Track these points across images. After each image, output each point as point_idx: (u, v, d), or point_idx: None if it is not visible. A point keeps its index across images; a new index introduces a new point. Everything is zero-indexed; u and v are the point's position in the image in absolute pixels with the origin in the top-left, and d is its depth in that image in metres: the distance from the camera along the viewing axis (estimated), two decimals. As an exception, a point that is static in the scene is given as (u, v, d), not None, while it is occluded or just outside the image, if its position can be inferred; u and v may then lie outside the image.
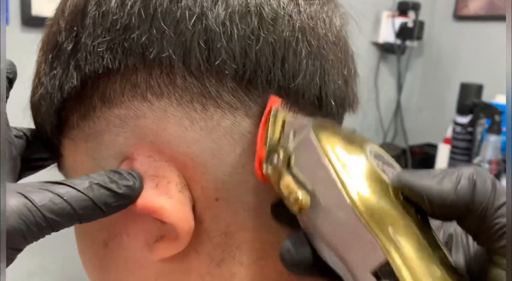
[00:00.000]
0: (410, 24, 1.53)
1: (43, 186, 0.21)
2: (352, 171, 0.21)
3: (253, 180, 0.24)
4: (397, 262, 0.19)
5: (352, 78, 0.27)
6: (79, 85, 0.24)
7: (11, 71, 0.27)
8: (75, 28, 0.24)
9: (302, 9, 0.24)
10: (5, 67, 0.28)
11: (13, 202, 0.20)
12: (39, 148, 0.28)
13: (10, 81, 0.27)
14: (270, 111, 0.23)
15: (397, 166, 0.23)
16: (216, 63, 0.23)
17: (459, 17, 1.56)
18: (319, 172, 0.21)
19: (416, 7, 1.53)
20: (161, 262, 0.25)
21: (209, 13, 0.23)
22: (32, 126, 0.29)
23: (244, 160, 0.24)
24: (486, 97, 1.28)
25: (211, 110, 0.23)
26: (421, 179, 0.20)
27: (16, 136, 0.27)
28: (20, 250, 0.21)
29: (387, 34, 1.56)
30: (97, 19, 0.23)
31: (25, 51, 1.28)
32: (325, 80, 0.25)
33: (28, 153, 0.28)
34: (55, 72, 0.25)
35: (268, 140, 0.23)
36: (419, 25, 1.56)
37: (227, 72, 0.23)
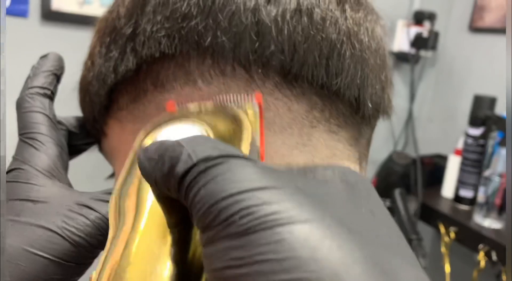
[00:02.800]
0: (425, 34, 1.53)
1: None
2: None
3: None
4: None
5: (388, 85, 0.28)
6: (134, 69, 0.25)
7: (59, 67, 0.29)
8: (135, 15, 0.26)
9: (348, 15, 0.26)
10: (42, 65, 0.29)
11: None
12: (80, 135, 0.30)
13: (58, 77, 0.29)
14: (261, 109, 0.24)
15: None
16: (265, 54, 0.24)
17: (474, 29, 1.56)
18: None
19: (432, 17, 1.53)
20: None
21: (263, 9, 0.24)
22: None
23: (283, 152, 0.25)
24: (499, 110, 1.27)
25: None
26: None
27: (60, 125, 0.28)
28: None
29: (401, 43, 1.56)
30: (157, 8, 0.25)
31: (44, 45, 1.30)
32: (364, 83, 0.26)
33: (70, 140, 0.29)
34: (110, 54, 0.26)
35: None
36: (434, 35, 1.55)
37: (274, 63, 0.24)
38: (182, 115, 0.24)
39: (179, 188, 0.18)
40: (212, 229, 0.16)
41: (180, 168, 0.18)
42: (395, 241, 0.21)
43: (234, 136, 0.22)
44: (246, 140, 0.22)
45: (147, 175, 0.20)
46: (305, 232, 0.15)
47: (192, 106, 0.24)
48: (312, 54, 0.24)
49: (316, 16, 0.25)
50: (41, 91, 0.28)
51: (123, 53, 0.26)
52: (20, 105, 0.27)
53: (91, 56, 0.28)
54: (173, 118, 0.24)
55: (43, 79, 0.28)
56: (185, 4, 0.24)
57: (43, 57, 0.30)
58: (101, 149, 0.30)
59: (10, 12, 1.04)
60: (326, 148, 0.26)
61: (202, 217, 0.17)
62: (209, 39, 0.24)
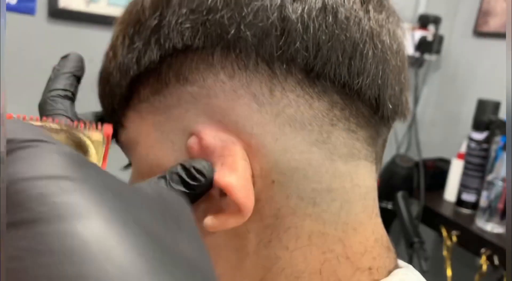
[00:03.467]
0: (429, 38, 1.53)
1: None
2: None
3: (308, 168, 0.26)
4: None
5: (406, 87, 0.29)
6: (157, 60, 0.26)
7: (79, 68, 0.29)
8: (160, 7, 0.26)
9: (371, 16, 0.26)
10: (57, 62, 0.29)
11: None
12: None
13: (78, 79, 0.29)
14: None
15: None
16: (289, 51, 0.24)
17: (479, 33, 1.56)
18: None
19: (436, 21, 1.53)
20: (211, 236, 0.26)
21: (289, 6, 0.24)
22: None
23: (303, 148, 0.25)
24: (503, 115, 1.27)
25: (277, 96, 0.25)
26: None
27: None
28: None
29: (406, 46, 1.56)
30: (183, 0, 0.25)
31: (50, 43, 1.30)
32: (385, 83, 0.27)
33: None
34: (134, 46, 0.27)
35: None
36: (439, 39, 1.56)
37: (298, 60, 0.24)
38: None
39: None
40: (8, 212, 0.15)
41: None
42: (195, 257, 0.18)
43: None
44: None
45: None
46: (90, 228, 0.14)
47: (36, 122, 0.24)
48: (335, 52, 0.25)
49: (340, 15, 0.25)
50: (63, 93, 0.28)
51: (147, 45, 0.26)
52: (43, 108, 0.28)
53: (113, 47, 0.29)
54: None
55: (64, 81, 0.29)
56: None
57: (64, 58, 0.30)
58: (117, 141, 0.30)
59: (18, 9, 1.05)
60: (344, 147, 0.26)
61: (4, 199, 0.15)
62: (233, 33, 0.24)
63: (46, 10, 1.07)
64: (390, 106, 0.27)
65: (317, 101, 0.25)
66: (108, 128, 0.25)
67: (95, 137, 0.25)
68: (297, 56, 0.24)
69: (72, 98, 0.29)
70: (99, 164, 0.24)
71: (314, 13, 0.24)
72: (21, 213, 0.15)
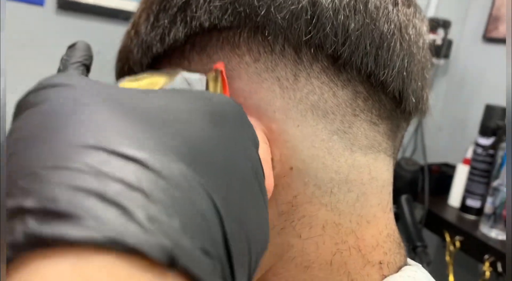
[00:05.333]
0: (438, 42, 1.53)
1: None
2: None
3: (327, 157, 0.25)
4: None
5: (426, 84, 0.29)
6: (182, 38, 0.25)
7: (88, 56, 0.29)
8: None
9: (400, 9, 0.26)
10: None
11: None
12: None
13: (88, 67, 0.29)
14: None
15: None
16: (318, 35, 0.24)
17: (488, 38, 1.55)
18: None
19: (446, 25, 1.52)
20: None
21: None
22: None
23: (323, 136, 0.25)
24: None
25: (302, 82, 0.24)
26: None
27: None
28: None
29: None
30: None
31: (59, 33, 1.30)
32: (409, 76, 0.27)
33: None
34: (159, 24, 0.26)
35: None
36: (448, 44, 1.55)
37: (327, 46, 0.24)
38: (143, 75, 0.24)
39: None
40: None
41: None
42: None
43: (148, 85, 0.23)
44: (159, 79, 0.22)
45: None
46: (62, 92, 0.16)
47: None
48: (364, 41, 0.25)
49: (371, 5, 0.25)
50: None
51: (173, 23, 0.26)
52: None
53: (135, 25, 0.28)
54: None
55: (74, 72, 0.28)
56: None
57: (71, 47, 0.30)
58: None
59: (27, 0, 1.05)
60: (365, 138, 0.26)
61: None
62: (262, 14, 0.24)
63: (55, 1, 1.07)
64: (413, 100, 0.27)
65: (341, 89, 0.25)
66: (219, 65, 0.24)
67: (210, 73, 0.24)
68: (326, 42, 0.24)
69: None
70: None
71: (345, 0, 0.24)
72: (27, 104, 0.16)
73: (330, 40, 0.24)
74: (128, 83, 0.23)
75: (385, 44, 0.25)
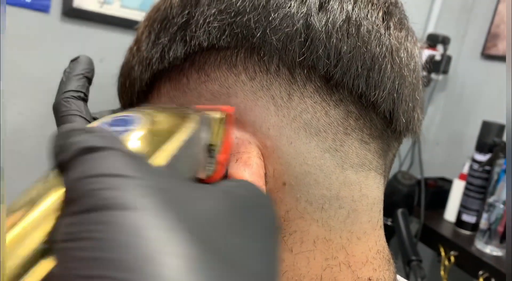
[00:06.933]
0: (437, 57, 1.54)
1: None
2: None
3: (319, 173, 0.26)
4: None
5: (418, 106, 0.29)
6: (182, 57, 0.26)
7: (89, 70, 0.30)
8: (188, 6, 0.27)
9: (391, 33, 0.27)
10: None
11: None
12: None
13: (89, 80, 0.30)
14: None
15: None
16: (311, 57, 0.25)
17: (487, 55, 1.56)
18: None
19: (445, 41, 1.54)
20: None
21: (315, 15, 0.25)
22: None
23: (316, 153, 0.26)
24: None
25: (296, 101, 0.25)
26: None
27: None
28: None
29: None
30: (212, 1, 0.26)
31: (64, 41, 1.31)
32: (400, 98, 0.27)
33: None
34: (159, 41, 0.27)
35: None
36: (447, 59, 1.56)
37: (319, 67, 0.25)
38: (138, 108, 0.23)
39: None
40: (65, 206, 0.16)
41: (62, 156, 0.17)
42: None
43: (170, 130, 0.21)
44: (178, 135, 0.20)
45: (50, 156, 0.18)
46: (131, 218, 0.14)
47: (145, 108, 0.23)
48: (355, 63, 0.25)
49: (363, 28, 0.26)
50: (75, 94, 0.29)
51: (172, 41, 0.27)
52: (58, 109, 0.29)
53: (137, 42, 0.29)
54: (130, 109, 0.23)
55: (76, 83, 0.29)
56: (239, 1, 0.25)
57: (74, 60, 0.31)
58: None
59: (32, 6, 1.06)
60: (356, 156, 0.27)
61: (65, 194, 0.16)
62: (258, 36, 0.25)
63: (60, 9, 1.08)
64: (404, 121, 0.28)
65: (333, 109, 0.26)
66: (229, 108, 0.25)
67: (213, 115, 0.24)
68: (319, 63, 0.25)
69: (85, 99, 0.30)
70: (219, 141, 0.23)
71: (338, 24, 0.25)
72: (76, 204, 0.15)
73: (323, 62, 0.25)
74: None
75: (376, 66, 0.26)
